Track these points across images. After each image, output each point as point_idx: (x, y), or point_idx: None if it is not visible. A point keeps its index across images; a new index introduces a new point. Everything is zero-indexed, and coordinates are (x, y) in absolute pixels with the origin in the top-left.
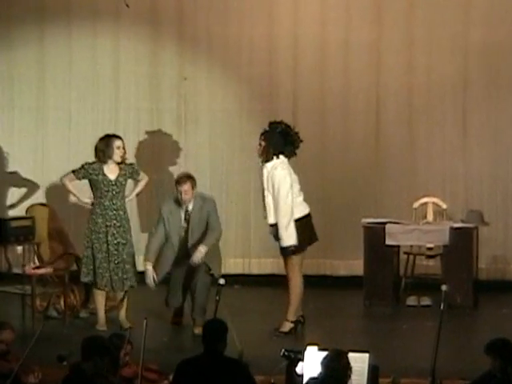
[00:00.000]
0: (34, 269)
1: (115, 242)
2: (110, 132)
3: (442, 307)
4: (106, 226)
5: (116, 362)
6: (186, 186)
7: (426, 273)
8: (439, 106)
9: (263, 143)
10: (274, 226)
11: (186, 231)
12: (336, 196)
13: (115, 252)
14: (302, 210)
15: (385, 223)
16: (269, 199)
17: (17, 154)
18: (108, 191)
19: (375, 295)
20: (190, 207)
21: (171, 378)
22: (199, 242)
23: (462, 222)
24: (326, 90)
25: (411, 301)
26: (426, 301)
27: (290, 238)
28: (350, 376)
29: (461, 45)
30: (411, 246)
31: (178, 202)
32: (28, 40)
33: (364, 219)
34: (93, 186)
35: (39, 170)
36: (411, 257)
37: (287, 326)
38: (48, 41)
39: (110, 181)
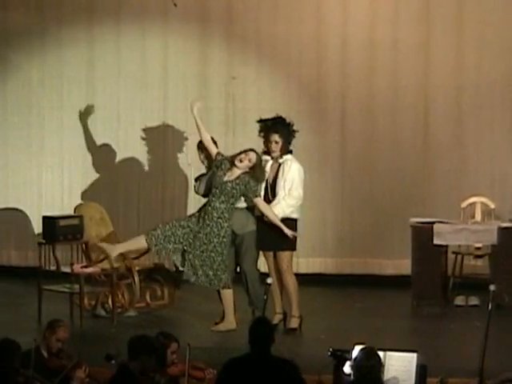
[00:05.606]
0: (82, 268)
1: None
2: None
3: (489, 307)
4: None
5: (163, 360)
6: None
7: (474, 272)
8: (488, 106)
9: (280, 140)
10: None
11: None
12: (384, 195)
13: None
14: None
15: (433, 223)
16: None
17: (66, 153)
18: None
19: (423, 295)
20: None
21: (215, 372)
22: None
23: (511, 221)
24: (375, 89)
25: (459, 300)
26: (473, 300)
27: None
28: (382, 372)
29: (510, 45)
30: (459, 246)
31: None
32: (77, 40)
33: (412, 219)
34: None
35: (88, 168)
36: (459, 256)
37: (295, 322)
38: (97, 41)
39: (224, 182)
